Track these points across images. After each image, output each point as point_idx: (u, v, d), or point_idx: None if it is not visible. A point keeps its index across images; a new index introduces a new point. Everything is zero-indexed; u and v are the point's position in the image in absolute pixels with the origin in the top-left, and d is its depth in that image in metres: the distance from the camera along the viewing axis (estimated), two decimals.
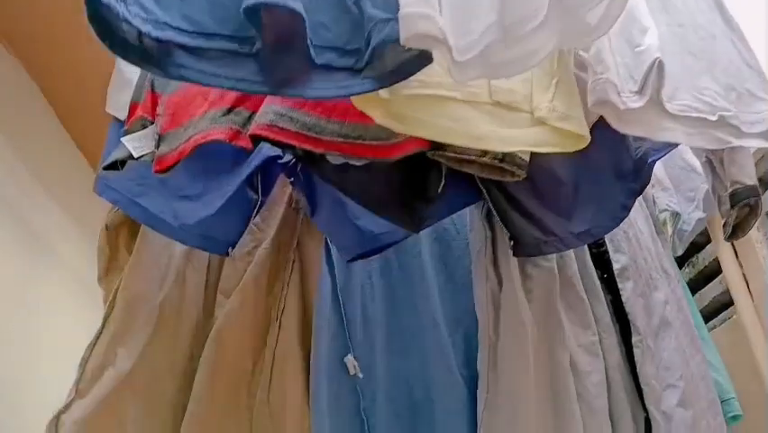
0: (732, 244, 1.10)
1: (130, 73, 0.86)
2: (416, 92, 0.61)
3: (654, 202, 1.12)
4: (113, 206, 0.88)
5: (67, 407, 0.71)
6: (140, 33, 0.53)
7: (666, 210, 1.11)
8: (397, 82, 0.57)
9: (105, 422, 0.72)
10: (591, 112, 0.70)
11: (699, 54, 0.78)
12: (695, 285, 1.25)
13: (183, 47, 0.54)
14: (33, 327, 1.23)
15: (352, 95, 0.57)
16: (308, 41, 0.55)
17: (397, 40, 0.53)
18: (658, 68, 0.67)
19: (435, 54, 0.56)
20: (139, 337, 0.78)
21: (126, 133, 0.75)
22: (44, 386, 1.20)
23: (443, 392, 0.81)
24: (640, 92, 0.67)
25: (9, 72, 1.30)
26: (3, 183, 1.18)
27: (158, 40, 0.53)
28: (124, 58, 0.53)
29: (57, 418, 0.70)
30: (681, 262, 1.28)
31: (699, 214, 1.11)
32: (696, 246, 1.24)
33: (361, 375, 0.81)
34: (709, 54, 0.78)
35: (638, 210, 1.06)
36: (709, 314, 1.19)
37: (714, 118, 0.71)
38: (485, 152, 0.69)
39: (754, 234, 1.07)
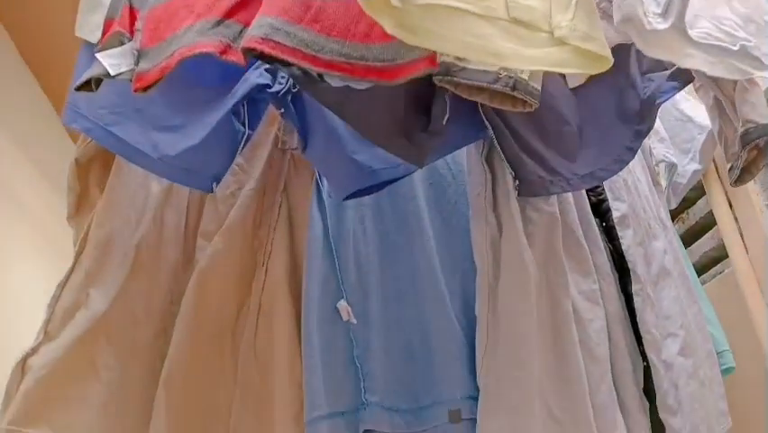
0: (727, 197, 1.08)
1: None
2: (430, 1, 0.56)
3: (651, 153, 1.09)
4: (83, 138, 0.81)
5: (34, 350, 0.64)
6: None
7: (663, 161, 1.08)
8: None
9: (77, 366, 0.65)
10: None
11: None
12: (685, 242, 1.23)
13: None
14: None
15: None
16: None
17: None
18: None
19: None
20: (114, 278, 0.71)
21: (101, 50, 0.67)
22: (7, 338, 1.13)
23: (441, 339, 0.77)
24: (664, 15, 0.63)
25: None
26: None
27: None
28: None
29: (23, 361, 0.63)
30: (671, 218, 1.26)
31: (695, 166, 1.09)
32: (687, 202, 1.22)
33: (354, 321, 0.76)
34: None
35: (636, 159, 1.03)
36: (700, 269, 1.18)
37: (735, 48, 0.68)
38: (497, 79, 0.63)
39: (750, 185, 1.05)
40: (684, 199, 1.21)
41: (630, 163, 0.93)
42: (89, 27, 0.80)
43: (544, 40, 0.61)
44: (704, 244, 1.17)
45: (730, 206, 1.08)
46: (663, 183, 1.09)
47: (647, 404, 0.82)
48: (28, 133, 1.39)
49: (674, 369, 0.83)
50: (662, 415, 0.79)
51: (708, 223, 1.14)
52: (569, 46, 0.61)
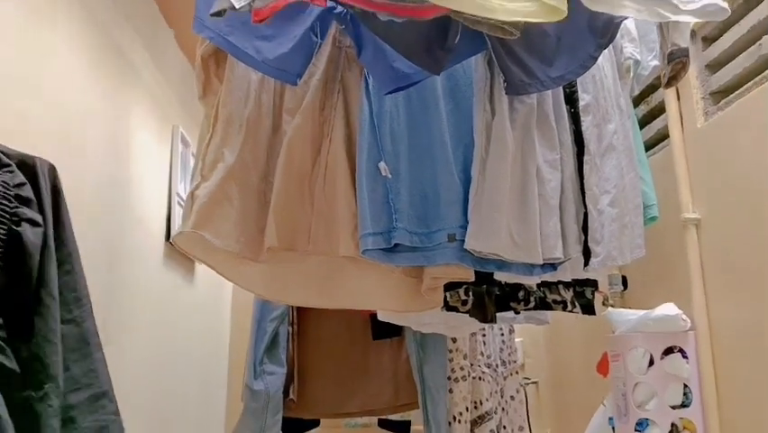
0: (676, 88, 1.39)
1: None
2: None
3: (621, 51, 1.39)
4: (202, 40, 1.15)
5: (197, 187, 1.05)
6: None
7: (630, 58, 1.39)
8: None
9: (220, 195, 1.06)
10: None
11: None
12: (647, 119, 1.57)
13: None
14: (122, 139, 1.53)
15: None
16: None
17: None
18: None
19: None
20: (236, 141, 1.10)
21: None
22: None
23: (446, 189, 1.15)
24: None
25: None
26: (106, 19, 1.40)
27: None
28: None
29: (191, 193, 1.04)
30: (639, 99, 1.58)
31: (656, 62, 1.39)
32: (651, 88, 1.53)
33: (390, 176, 1.14)
34: None
35: (607, 57, 1.34)
36: (654, 142, 1.53)
37: None
38: None
39: (693, 81, 1.36)
40: (650, 85, 1.53)
41: (600, 60, 1.25)
42: None
43: None
44: (659, 123, 1.50)
45: (678, 96, 1.40)
46: (629, 75, 1.41)
47: (583, 237, 1.22)
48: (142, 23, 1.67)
49: (604, 215, 1.22)
50: (589, 244, 1.20)
51: (664, 107, 1.46)
52: (539, 1, 0.92)
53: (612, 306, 1.58)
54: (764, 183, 1.13)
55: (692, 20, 1.01)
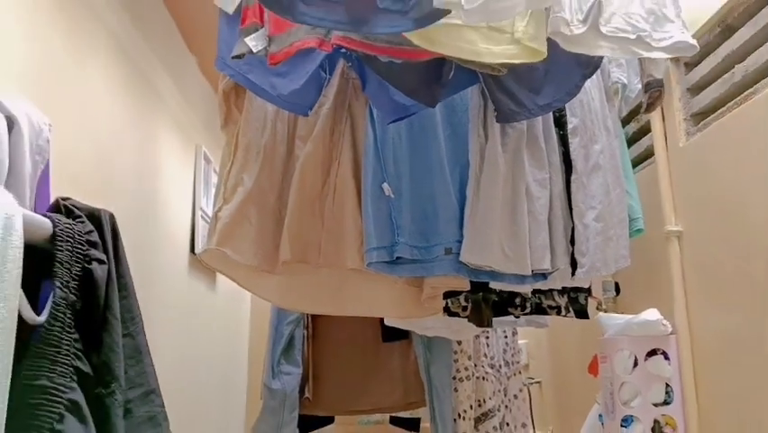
0: (661, 109, 1.50)
1: None
2: (445, 22, 0.99)
3: (609, 75, 1.49)
4: (223, 76, 1.28)
5: (219, 209, 1.18)
6: None
7: (617, 82, 1.49)
8: (428, 25, 0.94)
9: (240, 216, 1.19)
10: None
11: None
12: (637, 136, 1.67)
13: (302, 1, 0.91)
14: (150, 159, 1.67)
15: (401, 32, 0.95)
16: None
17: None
18: (598, 6, 1.03)
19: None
20: (254, 167, 1.23)
21: (243, 32, 1.12)
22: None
23: (444, 207, 1.27)
24: (584, 21, 1.04)
25: None
26: (136, 53, 1.54)
27: None
28: (270, 8, 0.91)
29: (215, 214, 1.17)
30: (630, 118, 1.68)
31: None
32: (640, 107, 1.63)
33: (392, 196, 1.26)
34: None
35: (595, 82, 1.45)
36: (641, 159, 1.63)
37: (633, 37, 1.08)
38: None
39: (676, 103, 1.47)
40: (639, 105, 1.63)
41: (588, 84, 1.36)
42: (225, 0, 1.23)
43: (507, 39, 1.04)
44: (646, 141, 1.61)
45: (663, 117, 1.51)
46: (617, 98, 1.52)
47: (570, 248, 1.33)
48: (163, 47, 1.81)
49: (589, 229, 1.33)
50: (576, 256, 1.31)
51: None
52: (521, 44, 1.03)
53: (605, 311, 1.69)
54: (741, 198, 1.23)
55: (664, 56, 1.12)
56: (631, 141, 1.65)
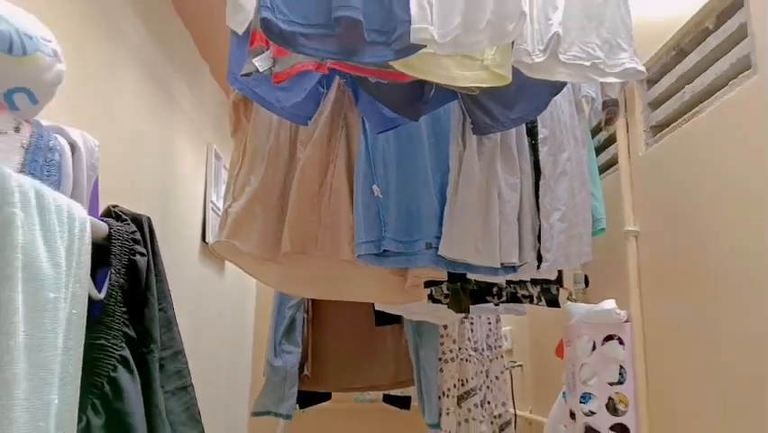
0: (626, 120, 1.67)
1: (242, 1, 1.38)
2: (424, 52, 1.16)
3: (579, 89, 1.66)
4: (233, 89, 1.46)
5: (230, 206, 1.36)
6: (280, 28, 1.07)
7: (586, 96, 1.66)
8: (408, 56, 1.11)
9: (247, 212, 1.37)
10: None
11: (594, 17, 1.29)
12: (606, 144, 1.84)
13: (302, 34, 1.09)
14: (167, 157, 1.85)
15: (385, 61, 1.12)
16: (363, 27, 1.09)
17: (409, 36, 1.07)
18: (556, 37, 1.20)
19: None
20: (260, 169, 1.41)
21: (251, 53, 1.29)
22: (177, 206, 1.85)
23: (426, 207, 1.44)
24: (544, 51, 1.21)
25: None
26: (155, 63, 1.72)
27: (291, 31, 1.07)
28: (274, 41, 1.08)
29: (226, 210, 1.36)
30: (600, 127, 1.85)
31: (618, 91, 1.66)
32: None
33: (381, 196, 1.44)
34: (600, 17, 1.29)
35: (566, 95, 1.62)
36: (608, 165, 1.80)
37: (588, 64, 1.25)
38: None
39: (638, 116, 1.63)
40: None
41: (558, 98, 1.53)
42: (235, 22, 1.40)
43: (478, 65, 1.21)
44: (612, 149, 1.78)
45: (627, 127, 1.68)
46: (586, 110, 1.69)
47: (537, 245, 1.51)
48: (183, 62, 2.00)
49: (554, 228, 1.50)
50: (541, 251, 1.49)
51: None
52: (489, 70, 1.21)
53: (576, 300, 1.87)
54: (690, 202, 1.40)
55: (615, 80, 1.29)
56: (600, 149, 1.82)
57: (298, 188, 1.44)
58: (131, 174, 1.58)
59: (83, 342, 0.65)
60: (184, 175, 2.00)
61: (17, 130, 0.64)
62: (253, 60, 1.27)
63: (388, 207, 1.44)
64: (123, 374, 0.70)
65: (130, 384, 0.70)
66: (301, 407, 2.32)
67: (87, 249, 0.67)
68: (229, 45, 1.39)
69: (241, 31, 1.36)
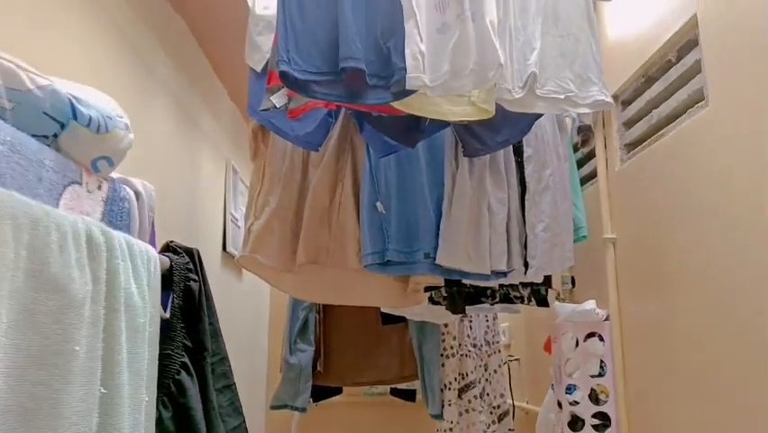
0: (604, 138, 1.85)
1: (258, 41, 1.57)
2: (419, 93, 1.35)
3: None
4: (250, 118, 1.65)
5: (252, 223, 1.56)
6: (296, 78, 1.26)
7: (568, 116, 1.84)
8: (405, 97, 1.30)
9: (267, 229, 1.57)
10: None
11: (568, 55, 1.47)
12: (588, 158, 2.02)
13: (314, 81, 1.28)
14: (191, 173, 2.05)
15: (385, 103, 1.31)
16: (366, 74, 1.27)
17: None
18: (533, 76, 1.38)
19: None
20: (277, 190, 1.60)
21: (269, 91, 1.48)
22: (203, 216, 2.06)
23: (424, 221, 1.63)
24: (523, 87, 1.39)
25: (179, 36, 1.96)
26: (180, 92, 1.92)
27: (305, 79, 1.26)
28: (291, 88, 1.27)
29: (248, 228, 1.55)
30: (584, 143, 2.03)
31: (590, 119, 1.85)
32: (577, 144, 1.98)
33: (384, 212, 1.62)
34: (573, 55, 1.47)
35: (549, 117, 1.80)
36: (589, 177, 1.98)
37: (563, 97, 1.43)
38: None
39: (614, 134, 1.82)
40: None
41: (541, 121, 1.71)
42: (253, 61, 1.60)
43: (465, 101, 1.39)
44: (593, 163, 1.96)
45: (605, 143, 1.86)
46: (568, 128, 1.87)
47: (524, 253, 1.69)
48: (205, 91, 2.20)
49: (538, 238, 1.69)
50: (528, 259, 1.67)
51: None
52: (475, 106, 1.39)
53: (563, 300, 2.06)
54: (658, 213, 1.58)
55: (587, 111, 1.47)
56: (582, 162, 2.00)
57: (310, 205, 1.63)
58: (162, 193, 1.78)
59: (158, 353, 0.85)
60: (206, 190, 2.20)
61: (99, 188, 0.83)
62: (271, 98, 1.46)
63: (390, 221, 1.63)
64: (184, 377, 0.90)
65: (190, 384, 0.89)
66: (315, 400, 2.52)
67: (159, 281, 0.86)
68: (243, 70, 1.59)
69: (258, 68, 1.56)
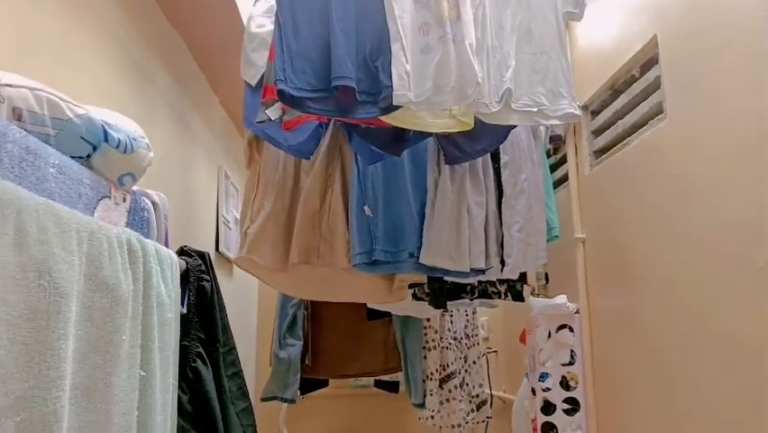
0: (575, 143, 1.99)
1: (253, 57, 1.68)
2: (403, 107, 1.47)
3: None
4: (246, 129, 1.76)
5: (248, 227, 1.67)
6: (292, 95, 1.37)
7: (541, 125, 1.98)
8: (391, 112, 1.42)
9: (262, 232, 1.68)
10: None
11: (540, 71, 1.60)
12: (560, 163, 2.17)
13: (308, 98, 1.39)
14: (187, 179, 2.15)
15: (373, 117, 1.43)
16: (356, 91, 1.39)
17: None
18: (509, 92, 1.51)
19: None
20: (271, 196, 1.72)
21: (264, 104, 1.59)
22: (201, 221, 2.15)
23: (408, 223, 1.76)
24: (499, 102, 1.52)
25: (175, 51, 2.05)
26: (177, 102, 2.02)
27: (300, 96, 1.37)
28: (287, 105, 1.39)
29: (245, 231, 1.66)
30: (557, 149, 2.18)
31: (561, 129, 1.99)
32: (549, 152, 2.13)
33: (371, 215, 1.75)
34: (545, 71, 1.61)
35: (523, 126, 1.94)
36: (562, 181, 2.13)
37: (535, 110, 1.57)
38: None
39: (584, 141, 1.96)
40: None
41: (517, 129, 1.85)
42: (248, 76, 1.71)
43: (447, 115, 1.52)
44: (565, 168, 2.10)
45: (576, 150, 2.00)
46: (542, 135, 2.01)
47: (500, 252, 1.83)
48: (201, 100, 2.30)
49: (514, 238, 1.83)
50: (504, 257, 1.81)
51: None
52: (456, 119, 1.52)
53: (538, 295, 2.20)
54: (622, 214, 1.72)
55: (557, 123, 1.60)
56: (555, 167, 2.14)
57: (302, 210, 1.75)
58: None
59: (177, 343, 0.96)
60: (200, 194, 2.30)
61: (124, 200, 0.94)
62: (266, 111, 1.58)
63: (377, 223, 1.75)
64: (200, 365, 1.01)
65: (205, 372, 1.01)
66: (303, 392, 2.64)
67: (178, 281, 0.98)
68: (234, 81, 1.70)
69: (254, 83, 1.67)
